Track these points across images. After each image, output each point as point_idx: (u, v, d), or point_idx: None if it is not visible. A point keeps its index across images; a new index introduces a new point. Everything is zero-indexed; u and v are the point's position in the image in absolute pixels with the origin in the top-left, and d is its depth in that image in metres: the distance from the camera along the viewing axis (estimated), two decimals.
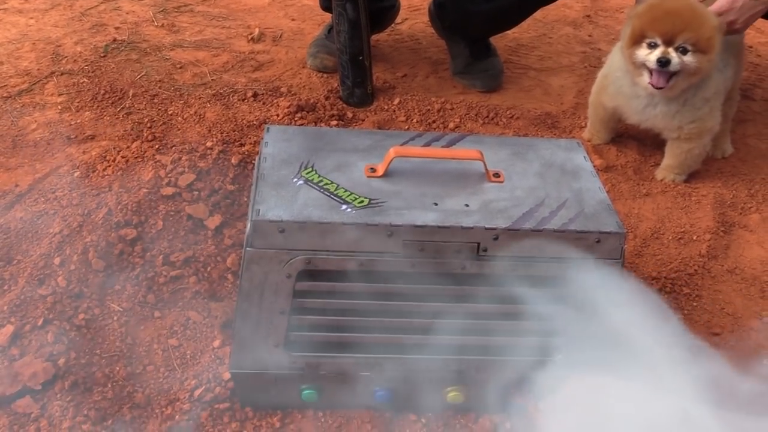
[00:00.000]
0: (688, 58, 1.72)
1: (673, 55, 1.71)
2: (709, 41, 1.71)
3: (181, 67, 2.23)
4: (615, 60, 1.89)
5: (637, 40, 1.75)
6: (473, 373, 1.22)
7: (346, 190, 1.19)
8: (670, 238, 1.75)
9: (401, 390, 1.23)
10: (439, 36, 2.39)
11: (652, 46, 1.73)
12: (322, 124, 1.99)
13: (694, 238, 1.75)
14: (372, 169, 1.24)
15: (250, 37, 2.43)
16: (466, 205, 1.19)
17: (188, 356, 1.36)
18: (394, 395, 1.24)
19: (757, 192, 1.93)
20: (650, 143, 2.04)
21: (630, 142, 2.06)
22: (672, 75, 1.74)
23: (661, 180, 1.93)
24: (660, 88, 1.75)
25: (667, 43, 1.72)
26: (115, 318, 1.41)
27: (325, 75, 2.24)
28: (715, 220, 1.81)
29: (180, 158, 1.70)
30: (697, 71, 1.74)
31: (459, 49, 2.30)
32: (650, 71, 1.75)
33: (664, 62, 1.71)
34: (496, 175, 1.26)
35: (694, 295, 1.61)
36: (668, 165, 1.93)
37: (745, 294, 1.63)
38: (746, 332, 1.54)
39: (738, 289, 1.64)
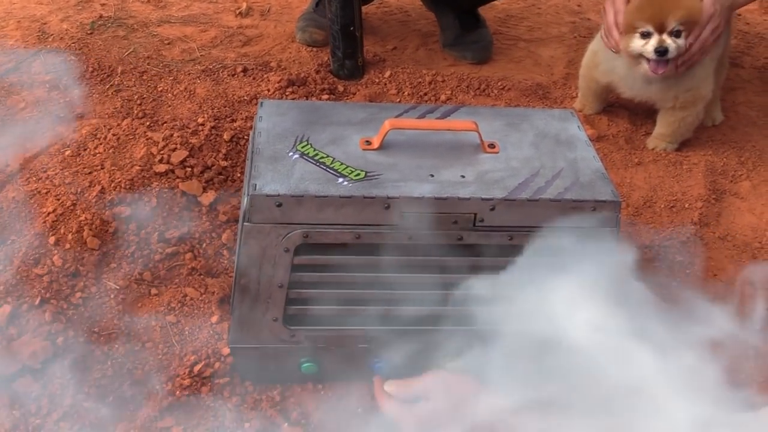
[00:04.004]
0: (683, 41, 1.71)
1: (669, 42, 1.70)
2: (698, 16, 1.71)
3: (169, 43, 2.21)
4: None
5: (628, 30, 1.74)
6: (473, 343, 1.23)
7: (342, 163, 1.19)
8: (663, 206, 1.76)
9: (400, 361, 1.24)
10: (428, 8, 2.38)
11: (646, 35, 1.72)
12: (314, 98, 1.98)
13: (686, 206, 1.77)
14: (367, 141, 1.23)
15: (237, 11, 2.41)
16: (462, 176, 1.19)
17: (186, 332, 1.36)
18: (393, 366, 1.25)
19: (748, 159, 1.94)
20: (641, 113, 2.04)
21: (621, 112, 2.07)
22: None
23: (653, 149, 1.94)
24: (658, 74, 1.75)
25: (660, 29, 1.70)
26: (112, 296, 1.41)
27: (314, 49, 2.22)
28: (706, 187, 1.82)
29: (171, 135, 1.69)
30: None
31: (448, 21, 2.29)
32: (648, 59, 1.74)
33: (662, 52, 1.70)
34: (491, 145, 1.26)
35: (686, 263, 1.62)
36: (660, 134, 1.93)
37: (736, 261, 1.65)
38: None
39: (730, 256, 1.66)
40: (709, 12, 1.73)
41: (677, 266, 1.61)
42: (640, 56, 1.75)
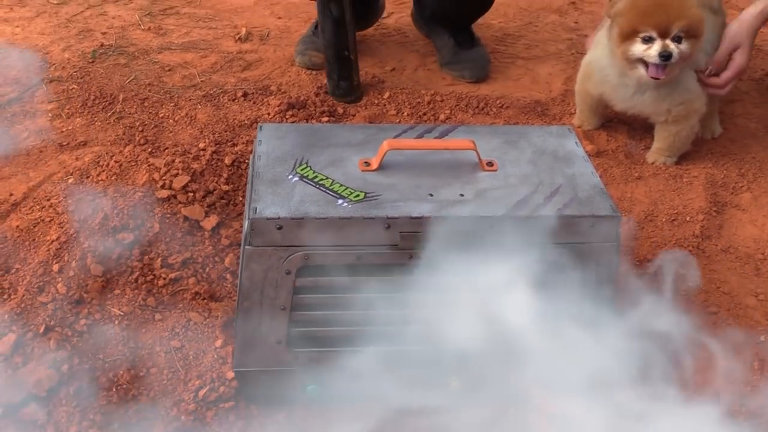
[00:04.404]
0: (683, 46, 1.73)
1: (672, 47, 1.71)
2: (699, 26, 1.73)
3: (169, 70, 2.23)
4: (597, 51, 1.90)
5: (629, 36, 1.75)
6: (475, 362, 1.23)
7: (341, 185, 1.20)
8: (664, 220, 1.76)
9: (404, 381, 1.24)
10: (421, 32, 2.41)
11: (648, 40, 1.73)
12: (314, 121, 1.99)
13: (688, 219, 1.77)
14: (366, 162, 1.24)
15: (237, 36, 2.43)
16: (461, 195, 1.20)
17: (191, 357, 1.36)
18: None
19: (748, 171, 1.94)
20: (640, 127, 2.05)
21: (620, 127, 2.08)
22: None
23: (652, 163, 1.95)
24: (658, 79, 1.76)
25: (663, 35, 1.72)
26: (116, 322, 1.41)
27: (314, 72, 2.24)
28: (707, 200, 1.82)
29: (173, 161, 1.70)
30: (690, 57, 1.76)
31: (443, 40, 2.31)
32: (646, 64, 1.76)
33: (666, 56, 1.71)
34: (490, 163, 1.27)
35: (689, 276, 1.62)
36: (658, 148, 1.94)
37: (739, 272, 1.65)
38: (743, 310, 1.55)
39: (732, 268, 1.65)
40: (741, 66, 1.83)
41: (680, 279, 1.61)
42: (638, 61, 1.77)
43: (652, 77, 1.76)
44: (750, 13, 1.84)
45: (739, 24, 1.85)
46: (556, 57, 2.43)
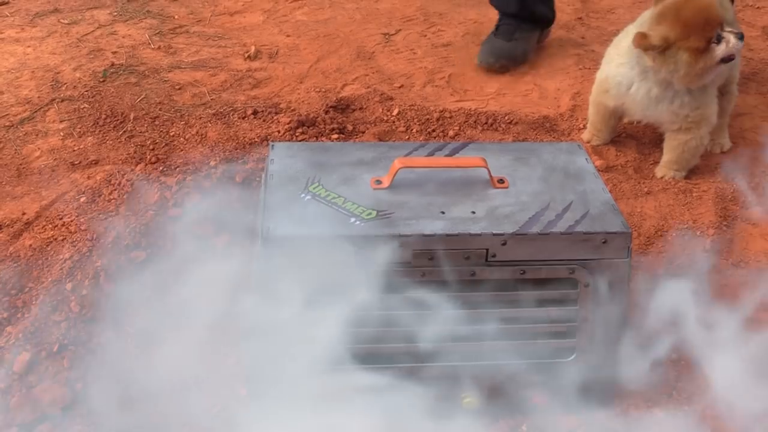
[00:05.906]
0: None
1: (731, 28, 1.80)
2: None
3: (180, 88, 2.25)
4: (612, 66, 1.91)
5: (705, 49, 1.77)
6: (488, 378, 1.24)
7: (353, 203, 1.20)
8: (674, 234, 1.76)
9: (418, 398, 1.24)
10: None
11: (719, 38, 1.78)
12: (323, 138, 2.01)
13: (698, 233, 1.77)
14: (378, 181, 1.25)
15: (246, 55, 2.45)
16: (473, 212, 1.20)
17: (205, 374, 1.37)
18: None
19: (758, 185, 1.94)
20: (649, 142, 2.05)
21: (629, 142, 2.08)
22: None
23: (662, 177, 1.95)
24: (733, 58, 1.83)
25: (722, 27, 1.79)
26: (130, 341, 1.42)
27: (323, 89, 2.25)
28: (717, 214, 1.82)
29: (185, 179, 1.72)
30: None
31: (495, 27, 2.44)
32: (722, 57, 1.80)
33: (741, 36, 1.79)
34: (501, 181, 1.28)
35: (701, 291, 1.62)
36: (667, 161, 1.95)
37: (751, 287, 1.64)
38: (755, 325, 1.55)
39: (744, 282, 1.65)
40: None
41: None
42: (711, 66, 1.80)
43: (730, 59, 1.82)
44: None
45: None
46: (563, 72, 2.44)
